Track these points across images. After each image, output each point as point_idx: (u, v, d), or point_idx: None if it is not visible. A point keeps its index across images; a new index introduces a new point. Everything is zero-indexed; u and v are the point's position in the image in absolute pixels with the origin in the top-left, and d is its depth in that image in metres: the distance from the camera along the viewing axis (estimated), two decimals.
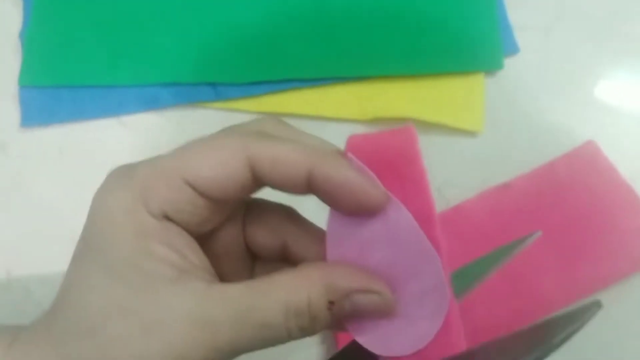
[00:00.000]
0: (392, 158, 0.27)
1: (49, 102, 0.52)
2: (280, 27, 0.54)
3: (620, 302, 0.46)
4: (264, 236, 0.30)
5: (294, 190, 0.26)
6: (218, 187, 0.26)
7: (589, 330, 0.44)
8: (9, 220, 0.50)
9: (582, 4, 0.55)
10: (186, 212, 0.26)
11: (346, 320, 0.27)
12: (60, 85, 0.53)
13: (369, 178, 0.26)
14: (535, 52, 0.54)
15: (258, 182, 0.27)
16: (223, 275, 0.28)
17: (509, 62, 0.53)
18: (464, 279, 0.31)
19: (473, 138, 0.51)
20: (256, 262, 0.32)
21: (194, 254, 0.27)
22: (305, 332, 0.26)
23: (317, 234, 0.30)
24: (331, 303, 0.25)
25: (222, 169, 0.26)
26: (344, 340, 0.41)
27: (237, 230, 0.30)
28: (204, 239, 0.28)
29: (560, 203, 0.48)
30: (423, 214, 0.27)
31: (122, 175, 0.27)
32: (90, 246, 0.27)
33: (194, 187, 0.26)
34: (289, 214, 0.31)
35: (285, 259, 0.30)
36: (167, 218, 0.26)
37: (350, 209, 0.26)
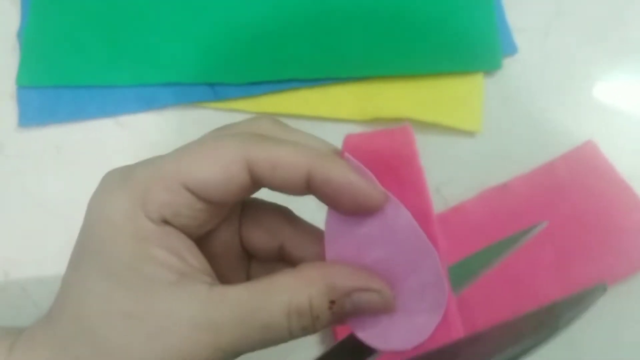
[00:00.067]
0: (389, 157, 0.27)
1: (47, 102, 0.52)
2: (279, 28, 0.54)
3: (620, 302, 0.46)
4: (259, 236, 0.30)
5: (292, 191, 0.27)
6: (217, 191, 0.26)
7: (589, 329, 0.45)
8: (6, 221, 0.50)
9: (580, 4, 0.55)
10: (185, 216, 0.26)
11: (346, 318, 0.27)
12: (59, 85, 0.53)
13: (367, 178, 0.26)
14: (533, 52, 0.54)
15: (257, 184, 0.27)
16: (219, 275, 0.28)
17: (507, 63, 0.53)
18: (462, 273, 0.31)
19: (472, 138, 0.51)
20: (252, 261, 0.32)
21: (194, 257, 0.27)
22: (306, 331, 0.26)
23: (312, 234, 0.30)
24: (332, 302, 0.26)
25: (221, 173, 0.26)
26: (342, 333, 0.41)
27: (233, 231, 0.30)
28: (200, 240, 0.28)
29: (559, 203, 0.48)
30: (420, 212, 0.27)
31: (119, 178, 0.27)
32: (88, 250, 0.26)
33: (192, 191, 0.26)
34: (285, 214, 0.31)
35: (281, 259, 0.30)
36: (166, 222, 0.26)
37: (349, 209, 0.26)
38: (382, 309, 0.27)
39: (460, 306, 0.28)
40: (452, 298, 0.28)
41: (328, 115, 0.52)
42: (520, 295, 0.45)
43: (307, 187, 0.26)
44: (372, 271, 0.27)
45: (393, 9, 0.54)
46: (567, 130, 0.51)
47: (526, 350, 0.25)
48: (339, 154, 0.27)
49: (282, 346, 0.26)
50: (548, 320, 0.25)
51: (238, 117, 0.39)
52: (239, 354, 0.26)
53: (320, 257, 0.28)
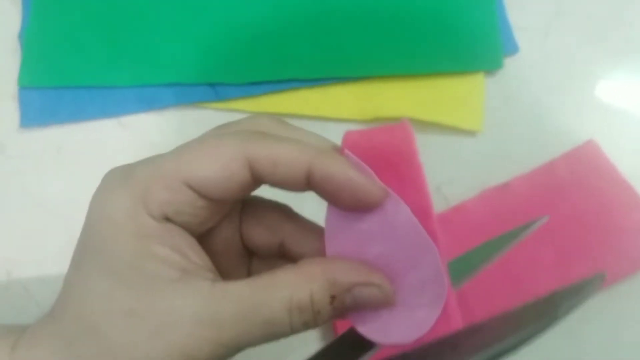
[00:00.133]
0: (388, 153, 0.27)
1: (48, 102, 0.52)
2: (280, 28, 0.54)
3: (620, 302, 0.46)
4: (260, 233, 0.30)
5: (293, 188, 0.27)
6: (218, 189, 0.26)
7: (590, 328, 0.45)
8: (8, 221, 0.50)
9: (581, 3, 0.56)
10: (186, 213, 0.27)
11: (347, 313, 0.27)
12: (60, 86, 0.53)
13: (366, 174, 0.26)
14: (534, 52, 0.54)
15: (257, 181, 0.27)
16: (221, 272, 0.29)
17: (508, 62, 0.53)
18: (462, 267, 0.31)
19: (473, 137, 0.52)
20: (253, 258, 0.32)
21: (196, 254, 0.27)
22: (308, 326, 0.26)
23: (313, 230, 0.30)
24: (333, 297, 0.26)
25: (221, 170, 0.26)
26: (342, 328, 0.41)
27: (234, 228, 0.30)
28: (201, 237, 0.29)
29: (560, 202, 0.48)
30: (420, 207, 0.27)
31: (120, 177, 0.27)
32: (90, 249, 0.27)
33: (193, 189, 0.26)
34: (285, 211, 0.31)
35: (282, 256, 0.31)
36: (167, 219, 0.26)
37: (349, 205, 0.27)
38: (383, 304, 0.27)
39: (460, 306, 0.28)
40: (452, 293, 0.28)
41: (328, 115, 0.52)
42: (521, 295, 0.45)
43: (307, 183, 0.26)
44: (372, 266, 0.27)
45: (394, 8, 0.54)
46: (568, 129, 0.51)
47: (526, 340, 0.25)
48: (338, 150, 0.27)
49: (283, 342, 0.26)
50: (547, 309, 0.25)
51: (239, 117, 0.39)
52: (240, 349, 0.26)
53: (321, 253, 0.28)
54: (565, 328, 0.45)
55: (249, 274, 0.32)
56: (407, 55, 0.53)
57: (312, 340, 0.45)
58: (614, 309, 0.46)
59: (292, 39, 0.54)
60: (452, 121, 0.51)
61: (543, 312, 0.25)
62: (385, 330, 0.27)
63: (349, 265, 0.27)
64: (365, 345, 0.28)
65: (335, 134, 0.30)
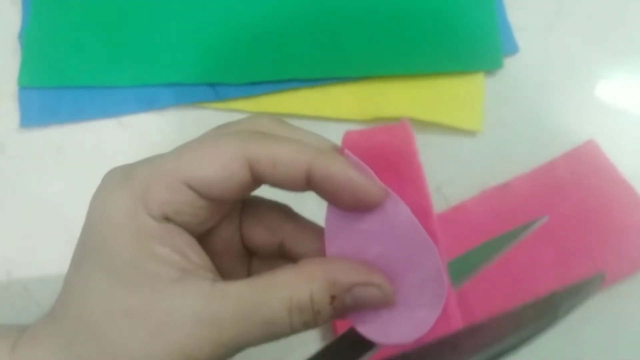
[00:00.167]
0: (388, 153, 0.27)
1: (48, 102, 0.52)
2: (280, 28, 0.54)
3: (620, 302, 0.46)
4: (260, 233, 0.30)
5: (293, 188, 0.27)
6: (218, 189, 0.26)
7: (590, 328, 0.45)
8: (8, 221, 0.50)
9: (581, 3, 0.56)
10: (186, 213, 0.27)
11: (347, 313, 0.27)
12: (60, 86, 0.53)
13: (366, 174, 0.26)
14: (534, 51, 0.54)
15: (257, 181, 0.27)
16: (221, 273, 0.29)
17: (508, 62, 0.53)
18: (462, 267, 0.31)
19: (473, 137, 0.52)
20: (253, 259, 0.32)
21: (196, 254, 0.27)
22: (308, 326, 0.26)
23: (312, 230, 0.30)
24: (333, 297, 0.26)
25: (221, 170, 0.26)
26: (342, 328, 0.41)
27: (234, 228, 0.30)
28: (201, 237, 0.29)
29: (560, 202, 0.48)
30: (420, 207, 0.27)
31: (120, 177, 0.27)
32: (90, 249, 0.27)
33: (193, 189, 0.26)
34: (285, 211, 0.31)
35: (282, 256, 0.31)
36: (167, 219, 0.26)
37: (349, 205, 0.27)
38: (383, 303, 0.27)
39: (460, 306, 0.28)
40: (452, 292, 0.28)
41: (328, 115, 0.52)
42: (521, 295, 0.45)
43: (307, 183, 0.26)
44: (372, 266, 0.27)
45: (394, 8, 0.54)
46: (568, 129, 0.51)
47: (526, 340, 0.25)
48: (338, 150, 0.27)
49: (283, 342, 0.26)
50: (547, 309, 0.25)
51: (239, 117, 0.39)
52: (240, 349, 0.26)
53: (321, 253, 0.28)
54: (565, 328, 0.45)
55: (249, 274, 0.32)
56: (407, 55, 0.53)
57: (312, 341, 0.45)
58: (614, 308, 0.46)
59: (292, 39, 0.54)
60: (452, 121, 0.51)
61: (543, 312, 0.25)
62: (385, 330, 0.27)
63: (349, 265, 0.27)
64: (365, 345, 0.28)
65: (335, 134, 0.30)
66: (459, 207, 0.49)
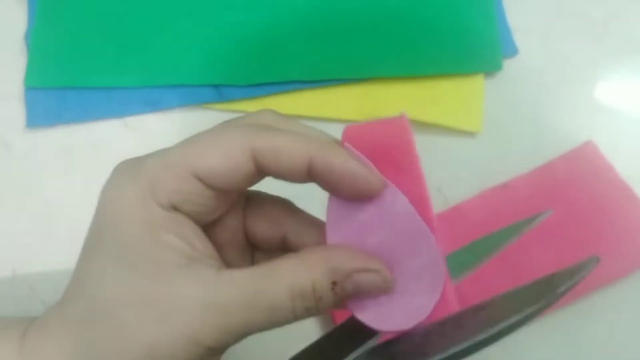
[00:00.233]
0: (386, 145, 0.28)
1: (54, 103, 0.53)
2: (282, 30, 0.54)
3: (618, 301, 0.47)
4: (263, 227, 0.31)
5: (295, 179, 0.28)
6: (224, 179, 0.27)
7: (588, 327, 0.45)
8: (14, 220, 0.50)
9: (580, 5, 0.56)
10: (193, 203, 0.27)
11: (348, 299, 0.28)
12: (66, 87, 0.53)
13: (366, 165, 0.27)
14: (534, 53, 0.54)
15: (261, 172, 0.28)
16: (224, 264, 0.29)
17: (508, 64, 0.54)
18: (462, 261, 0.32)
19: (472, 139, 0.52)
20: (255, 252, 0.33)
21: (201, 243, 0.28)
22: (310, 312, 0.27)
23: (314, 225, 0.31)
24: (334, 284, 0.26)
25: (227, 161, 0.27)
26: (341, 318, 0.42)
27: (238, 222, 0.31)
28: (207, 228, 0.29)
29: (559, 203, 0.48)
30: (417, 197, 0.28)
31: (129, 168, 0.28)
32: (100, 237, 0.27)
33: (200, 179, 0.27)
34: (287, 206, 0.32)
35: (284, 249, 0.31)
36: (175, 208, 0.27)
37: (349, 194, 0.27)
38: (382, 289, 0.28)
39: (458, 302, 0.29)
40: (449, 279, 0.28)
41: (330, 116, 0.52)
42: None
43: (309, 174, 0.27)
44: (371, 253, 0.28)
45: (394, 11, 0.54)
46: (567, 131, 0.52)
47: (527, 318, 0.25)
48: (339, 143, 0.28)
49: (284, 336, 0.27)
50: (547, 289, 0.26)
51: None
52: (246, 334, 0.26)
53: (323, 243, 0.29)
54: (564, 326, 0.45)
55: None
56: (407, 57, 0.53)
57: (315, 335, 0.46)
58: (612, 308, 0.46)
59: (295, 41, 0.54)
60: (452, 122, 0.52)
61: (543, 292, 0.26)
62: (385, 317, 0.28)
63: (349, 252, 0.28)
64: (364, 334, 0.29)
65: (336, 134, 0.30)
66: (458, 207, 0.49)
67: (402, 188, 0.28)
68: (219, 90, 0.53)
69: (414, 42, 0.53)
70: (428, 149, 0.46)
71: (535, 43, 0.55)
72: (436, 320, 0.28)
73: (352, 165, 0.27)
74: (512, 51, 0.54)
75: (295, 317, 0.27)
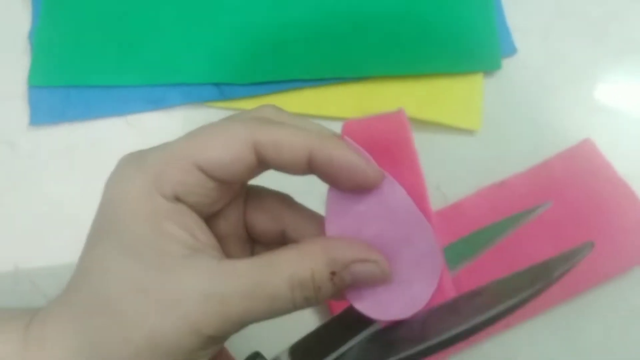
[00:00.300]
0: (384, 139, 0.29)
1: (57, 101, 0.53)
2: (283, 30, 0.55)
3: (616, 298, 0.47)
4: (263, 221, 0.32)
5: (295, 171, 0.28)
6: (226, 170, 0.27)
7: (586, 324, 0.45)
8: (17, 216, 0.50)
9: (579, 5, 0.56)
10: (196, 194, 0.28)
11: (346, 289, 0.28)
12: (69, 85, 0.54)
13: (364, 157, 0.28)
14: (533, 53, 0.55)
15: (262, 164, 0.28)
16: (226, 257, 0.30)
17: (507, 63, 0.54)
18: (460, 251, 0.32)
19: (471, 137, 0.52)
20: (256, 246, 0.33)
21: (204, 234, 0.28)
22: (309, 302, 0.27)
23: (313, 219, 0.31)
24: (333, 274, 0.27)
25: (229, 153, 0.27)
26: (338, 308, 0.42)
27: (239, 215, 0.32)
28: (208, 220, 0.30)
29: (557, 200, 0.48)
30: (414, 189, 0.28)
31: (134, 160, 0.28)
32: (104, 228, 0.28)
33: (203, 171, 0.27)
34: (286, 200, 0.32)
35: (283, 243, 0.31)
36: (178, 199, 0.28)
37: (348, 186, 0.28)
38: (380, 279, 0.28)
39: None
40: (447, 269, 0.29)
41: (330, 114, 0.53)
42: None
43: (309, 166, 0.28)
44: (370, 244, 0.28)
45: (394, 10, 0.55)
46: (565, 129, 0.52)
47: (523, 301, 0.26)
48: (338, 136, 0.29)
49: (284, 330, 0.27)
50: (542, 274, 0.26)
51: None
52: (247, 324, 0.27)
53: (322, 235, 0.29)
54: (562, 324, 0.46)
55: None
56: (407, 56, 0.53)
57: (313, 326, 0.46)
58: (610, 305, 0.47)
59: (295, 41, 0.54)
60: (451, 121, 0.52)
61: (538, 277, 0.26)
62: (383, 306, 0.28)
63: (347, 243, 0.28)
64: (363, 322, 0.30)
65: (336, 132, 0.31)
66: (457, 204, 0.49)
67: (400, 181, 0.28)
68: (220, 88, 0.54)
69: (413, 41, 0.54)
70: (427, 147, 0.47)
71: (534, 42, 0.55)
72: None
73: (351, 157, 0.27)
74: (511, 50, 0.55)
75: (294, 307, 0.27)
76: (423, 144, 0.30)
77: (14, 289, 0.48)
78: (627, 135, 0.52)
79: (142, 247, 0.26)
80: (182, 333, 0.26)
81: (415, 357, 0.27)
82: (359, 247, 0.28)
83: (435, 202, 0.48)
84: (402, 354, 0.27)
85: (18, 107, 0.53)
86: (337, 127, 0.30)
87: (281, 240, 0.32)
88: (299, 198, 0.33)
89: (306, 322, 0.45)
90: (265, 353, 0.32)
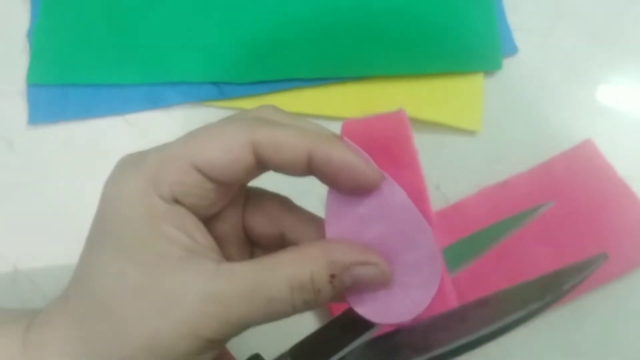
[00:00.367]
0: (384, 140, 0.29)
1: (56, 99, 0.53)
2: (283, 29, 0.55)
3: (617, 299, 0.47)
4: (262, 223, 0.32)
5: (294, 172, 0.28)
6: (224, 171, 0.27)
7: (586, 326, 0.45)
8: (15, 215, 0.50)
9: (580, 5, 0.56)
10: (194, 195, 0.28)
11: (346, 292, 0.28)
12: (68, 84, 0.53)
13: (364, 158, 0.27)
14: (533, 52, 0.55)
15: (261, 165, 0.28)
16: (224, 259, 0.30)
17: (507, 63, 0.54)
18: (460, 252, 0.32)
19: (472, 137, 0.52)
20: (255, 248, 0.33)
21: (202, 236, 0.28)
22: (309, 305, 0.27)
23: (312, 222, 0.31)
24: (332, 276, 0.27)
25: (228, 154, 0.27)
26: (337, 310, 0.42)
27: (237, 217, 0.31)
28: (207, 222, 0.30)
29: (557, 200, 0.48)
30: (415, 190, 0.28)
31: (132, 161, 0.28)
32: (103, 230, 0.28)
33: (202, 172, 0.27)
34: (286, 203, 0.32)
35: (282, 246, 0.31)
36: (176, 201, 0.27)
37: (348, 187, 0.28)
38: (380, 282, 0.28)
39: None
40: (447, 272, 0.29)
41: (330, 114, 0.53)
42: None
43: (308, 167, 0.27)
44: (369, 247, 0.28)
45: (394, 10, 0.54)
46: (566, 129, 0.52)
47: (532, 314, 0.26)
48: (337, 137, 0.28)
49: (284, 330, 0.27)
50: (553, 285, 0.26)
51: None
52: (246, 326, 0.27)
53: (322, 237, 0.29)
54: (562, 325, 0.45)
55: None
56: (407, 55, 0.53)
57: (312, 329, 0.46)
58: (611, 306, 0.47)
59: (294, 40, 0.54)
60: (451, 121, 0.52)
61: (548, 288, 0.26)
62: (383, 310, 0.28)
63: (347, 245, 0.28)
64: (362, 327, 0.29)
65: (335, 132, 0.30)
66: (457, 204, 0.49)
67: (400, 182, 0.28)
68: (219, 87, 0.53)
69: (414, 40, 0.54)
70: (427, 148, 0.46)
71: (535, 42, 0.55)
72: (435, 313, 0.28)
73: (350, 158, 0.27)
74: (511, 50, 0.54)
75: (294, 310, 0.27)
76: (423, 144, 0.30)
77: (13, 289, 0.48)
78: (627, 136, 0.52)
79: (139, 250, 0.26)
80: (181, 335, 0.26)
81: None
82: (359, 250, 0.28)
83: (436, 202, 0.48)
84: None
85: (16, 105, 0.53)
86: (337, 127, 0.29)
87: (280, 243, 0.32)
88: (298, 200, 0.32)
89: (306, 324, 0.45)
90: (265, 355, 0.32)
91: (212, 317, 0.26)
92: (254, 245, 0.33)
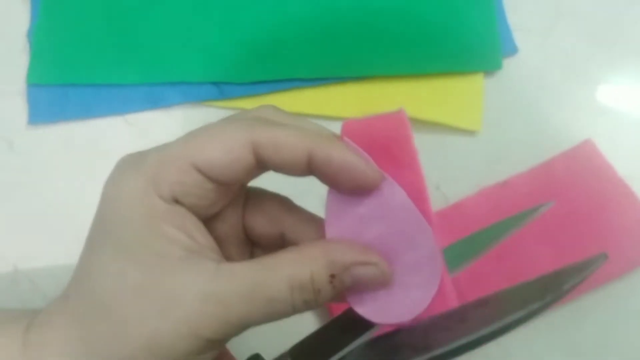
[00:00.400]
0: (384, 140, 0.29)
1: (56, 99, 0.53)
2: (283, 29, 0.55)
3: (617, 299, 0.47)
4: (262, 223, 0.32)
5: (294, 172, 0.28)
6: (224, 171, 0.27)
7: (586, 326, 0.45)
8: (15, 215, 0.50)
9: (580, 5, 0.56)
10: (194, 195, 0.28)
11: (346, 293, 0.28)
12: (68, 84, 0.53)
13: (364, 158, 0.27)
14: (533, 52, 0.55)
15: (261, 165, 0.28)
16: (224, 259, 0.30)
17: (507, 63, 0.54)
18: (460, 252, 0.32)
19: (472, 137, 0.52)
20: (255, 248, 0.33)
21: (202, 236, 0.28)
22: (309, 305, 0.27)
23: (312, 222, 0.31)
24: (332, 276, 0.27)
25: (228, 154, 0.27)
26: (337, 310, 0.42)
27: (237, 218, 0.31)
28: (207, 222, 0.30)
29: (557, 200, 0.48)
30: (415, 190, 0.28)
31: (132, 161, 0.28)
32: (103, 230, 0.28)
33: (202, 172, 0.27)
34: (286, 203, 0.32)
35: (282, 246, 0.31)
36: (176, 201, 0.27)
37: (348, 187, 0.28)
38: (380, 282, 0.28)
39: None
40: (447, 272, 0.29)
41: (330, 114, 0.53)
42: None
43: (308, 167, 0.27)
44: (369, 247, 0.28)
45: (394, 9, 0.54)
46: (566, 129, 0.52)
47: (532, 314, 0.26)
48: (337, 137, 0.28)
49: (284, 331, 0.27)
50: (553, 285, 0.26)
51: None
52: (246, 326, 0.27)
53: (322, 237, 0.29)
54: (562, 325, 0.46)
55: None
56: (407, 55, 0.53)
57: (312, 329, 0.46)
58: (611, 306, 0.47)
59: (295, 40, 0.54)
60: (451, 121, 0.52)
61: (549, 288, 0.26)
62: (383, 310, 0.28)
63: (347, 245, 0.28)
64: (362, 325, 0.29)
65: (336, 132, 0.30)
66: (458, 204, 0.49)
67: (400, 182, 0.28)
68: (219, 87, 0.53)
69: (414, 40, 0.54)
70: (427, 148, 0.46)
71: (535, 42, 0.55)
72: (435, 313, 0.28)
73: (350, 158, 0.27)
74: (511, 50, 0.54)
75: (294, 310, 0.27)
76: (423, 144, 0.29)
77: (13, 289, 0.48)
78: (627, 136, 0.52)
79: (139, 250, 0.26)
80: (181, 335, 0.26)
81: None
82: (359, 250, 0.28)
83: (436, 203, 0.48)
84: None
85: (16, 105, 0.53)
86: (337, 127, 0.29)
87: (280, 243, 0.32)
88: (298, 200, 0.32)
89: (306, 324, 0.45)
90: (265, 355, 0.32)
91: (212, 317, 0.26)
92: (254, 245, 0.33)
